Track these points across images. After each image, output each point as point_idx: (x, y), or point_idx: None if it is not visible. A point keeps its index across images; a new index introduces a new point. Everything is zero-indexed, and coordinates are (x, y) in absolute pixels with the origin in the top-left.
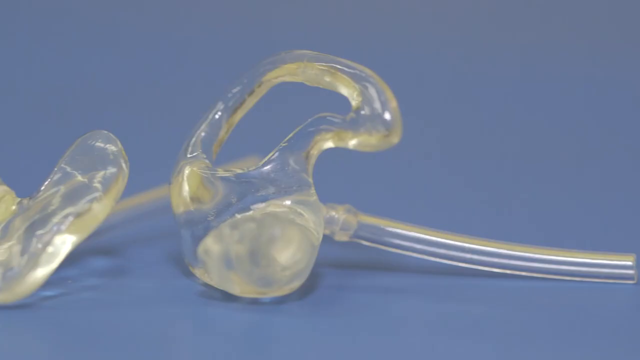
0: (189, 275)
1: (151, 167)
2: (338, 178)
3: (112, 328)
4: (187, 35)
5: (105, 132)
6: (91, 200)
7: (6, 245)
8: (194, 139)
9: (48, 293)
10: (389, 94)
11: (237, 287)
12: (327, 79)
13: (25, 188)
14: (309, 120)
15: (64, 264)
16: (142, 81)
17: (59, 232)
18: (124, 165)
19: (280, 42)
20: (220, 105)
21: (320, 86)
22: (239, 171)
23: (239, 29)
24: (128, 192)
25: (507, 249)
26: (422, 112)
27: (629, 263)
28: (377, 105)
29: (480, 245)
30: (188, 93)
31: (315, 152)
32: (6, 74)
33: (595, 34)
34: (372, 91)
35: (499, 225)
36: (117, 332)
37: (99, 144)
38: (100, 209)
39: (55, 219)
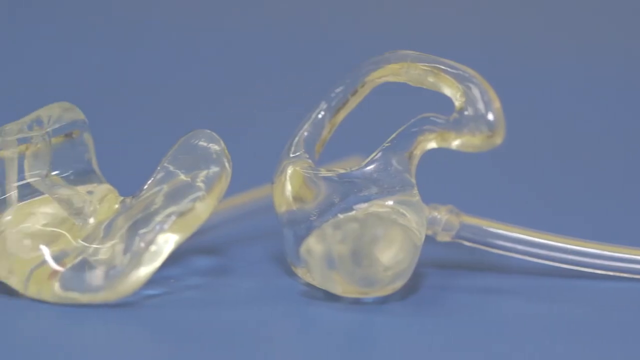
0: (291, 274)
1: (253, 166)
2: (441, 178)
3: (214, 327)
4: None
5: (209, 131)
6: (194, 200)
7: (109, 244)
8: (296, 139)
9: (151, 292)
10: (492, 95)
11: (340, 287)
12: (431, 79)
13: (128, 187)
14: (412, 120)
15: (167, 262)
16: (240, 81)
17: (161, 231)
18: (227, 164)
19: (385, 44)
20: (324, 105)
21: (424, 86)
22: (342, 171)
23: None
24: (230, 191)
25: (610, 251)
26: (526, 112)
27: None
28: (481, 105)
29: (582, 247)
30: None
31: (418, 153)
32: (109, 74)
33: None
34: (476, 92)
35: (601, 226)
36: (219, 331)
37: (202, 143)
38: (203, 208)
39: (158, 218)
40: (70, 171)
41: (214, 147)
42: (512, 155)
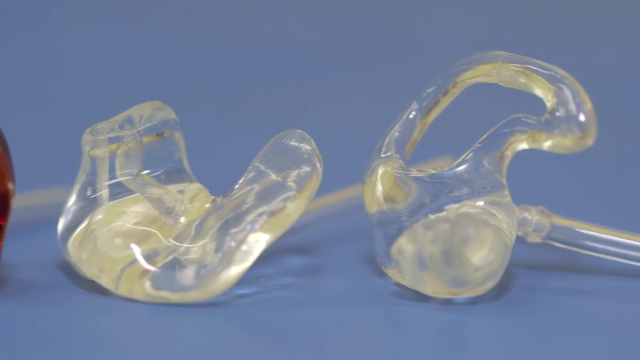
0: (382, 275)
1: (344, 166)
2: (531, 179)
3: (305, 327)
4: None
5: (300, 131)
6: (285, 199)
7: (200, 243)
8: (387, 139)
9: (242, 291)
10: (584, 96)
11: (430, 287)
12: (522, 80)
13: (219, 186)
14: (504, 121)
15: (258, 262)
16: (331, 80)
17: (252, 230)
18: (318, 164)
19: (475, 44)
20: (415, 105)
21: (515, 87)
22: (433, 171)
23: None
24: (321, 191)
25: None
26: (615, 112)
27: None
28: (572, 107)
29: None
30: (378, 93)
31: (509, 153)
32: (201, 73)
33: None
34: (567, 93)
35: None
36: (309, 331)
37: (293, 143)
38: (294, 208)
39: (249, 218)
40: (162, 170)
41: (305, 146)
42: (602, 155)
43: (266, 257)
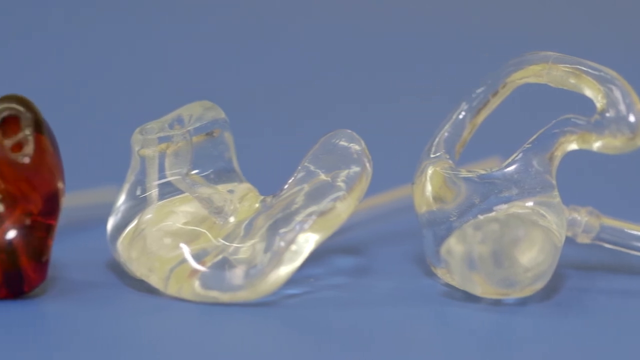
0: (431, 275)
1: (393, 166)
2: (581, 180)
3: (354, 327)
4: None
5: (349, 131)
6: (335, 199)
7: (249, 242)
8: (437, 139)
9: (291, 291)
10: (634, 97)
11: (480, 287)
12: (572, 80)
13: (268, 186)
14: (554, 122)
15: (307, 262)
16: (382, 81)
17: (302, 230)
18: (367, 164)
19: (521, 43)
20: (464, 106)
21: (565, 88)
22: (482, 172)
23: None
24: (371, 191)
25: None
26: None
27: None
28: (622, 107)
29: None
30: (427, 94)
31: (559, 154)
32: (250, 73)
33: None
34: (617, 93)
35: None
36: (358, 331)
37: (343, 143)
38: (343, 208)
39: (299, 218)
40: (211, 170)
41: (355, 146)
42: None
43: (315, 257)
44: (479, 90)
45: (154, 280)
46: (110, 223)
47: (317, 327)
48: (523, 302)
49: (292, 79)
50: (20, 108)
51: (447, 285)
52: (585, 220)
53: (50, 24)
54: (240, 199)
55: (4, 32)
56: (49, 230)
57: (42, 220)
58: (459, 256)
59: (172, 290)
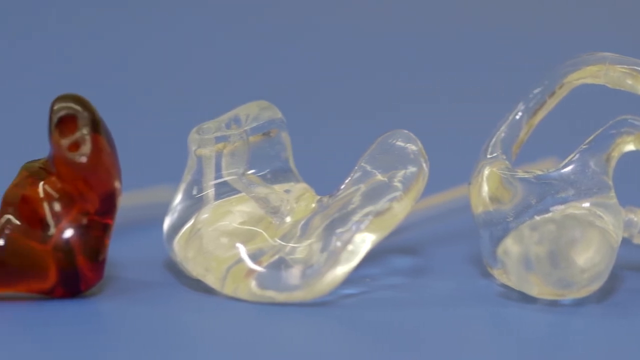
0: (488, 275)
1: (450, 166)
2: (637, 181)
3: (410, 327)
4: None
5: (406, 131)
6: (391, 200)
7: (306, 242)
8: (494, 140)
9: (347, 291)
10: None
11: (536, 288)
12: (629, 81)
13: (325, 186)
14: (611, 122)
15: (363, 262)
16: (437, 81)
17: (358, 230)
18: (424, 164)
19: (581, 45)
20: (521, 106)
21: (622, 89)
22: (539, 172)
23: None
24: (427, 191)
25: None
26: None
27: None
28: None
29: None
30: (483, 95)
31: (616, 155)
32: (306, 72)
33: None
34: None
35: None
36: (415, 331)
37: (399, 143)
38: (400, 209)
39: (355, 218)
40: (268, 170)
41: (411, 147)
42: None
43: (372, 257)
44: (535, 91)
45: (211, 280)
46: (167, 222)
47: (374, 327)
48: (579, 303)
49: (350, 78)
50: (78, 107)
51: (504, 285)
52: None
53: (114, 23)
54: (297, 198)
55: (61, 29)
56: (105, 229)
57: (99, 219)
58: (515, 257)
59: (228, 290)
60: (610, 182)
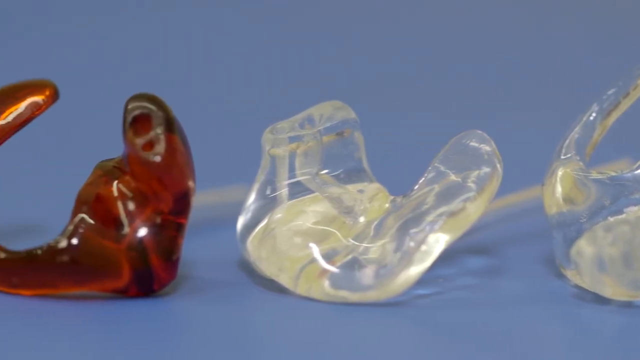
0: (561, 276)
1: (523, 167)
2: None
3: (484, 328)
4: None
5: (480, 131)
6: (465, 200)
7: (380, 242)
8: (567, 141)
9: (421, 291)
10: None
11: (610, 289)
12: None
13: (398, 186)
14: None
15: (438, 262)
16: (508, 81)
17: (432, 231)
18: (498, 165)
19: None
20: (595, 107)
21: None
22: (613, 173)
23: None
24: (501, 192)
25: None
26: None
27: None
28: None
29: None
30: (556, 95)
31: None
32: (380, 72)
33: None
34: None
35: None
36: (488, 332)
37: (473, 144)
38: (474, 209)
39: (429, 218)
40: (341, 170)
41: (485, 147)
42: None
43: (445, 257)
44: (610, 92)
45: (284, 280)
46: (240, 222)
47: (447, 328)
48: None
49: (424, 78)
50: (152, 107)
51: (577, 286)
52: None
53: (188, 23)
54: (370, 198)
55: (136, 29)
56: (179, 229)
57: (172, 218)
58: (589, 258)
59: (301, 289)
60: None
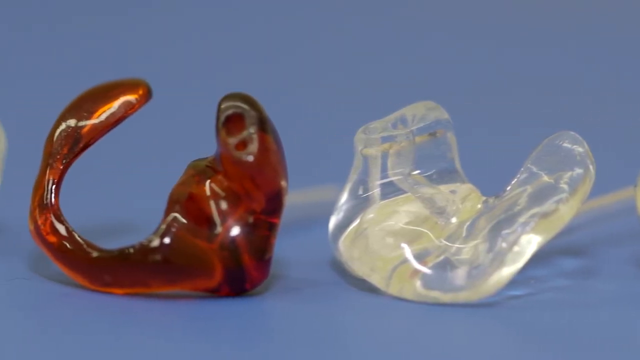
0: None
1: (615, 168)
2: None
3: (577, 329)
4: None
5: (572, 132)
6: (557, 201)
7: (472, 243)
8: None
9: (513, 292)
10: None
11: None
12: None
13: (490, 187)
14: None
15: (530, 263)
16: (604, 81)
17: (524, 232)
18: (590, 166)
19: None
20: None
21: None
22: None
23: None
24: (593, 193)
25: None
26: None
27: None
28: None
29: None
30: None
31: None
32: (473, 72)
33: None
34: None
35: None
36: (581, 333)
37: (566, 145)
38: (566, 210)
39: (522, 219)
40: (433, 170)
41: (578, 148)
42: None
43: (538, 258)
44: None
45: (376, 280)
46: (332, 222)
47: (540, 329)
48: None
49: (516, 80)
50: (245, 106)
51: None
52: None
53: (280, 23)
54: (463, 199)
55: (230, 28)
56: (271, 228)
57: (265, 218)
58: None
59: (393, 289)
60: None
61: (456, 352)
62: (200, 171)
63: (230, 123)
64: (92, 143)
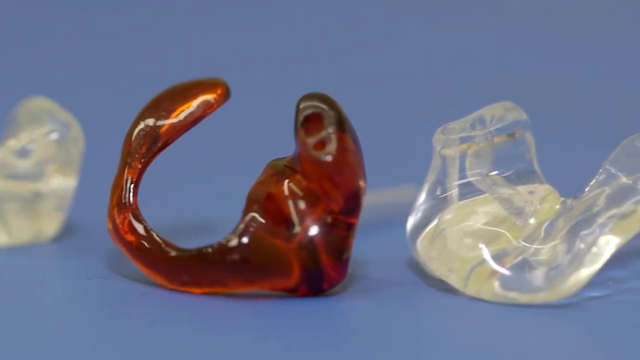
0: None
1: None
2: None
3: None
4: None
5: None
6: (636, 203)
7: (550, 244)
8: None
9: (592, 293)
10: None
11: None
12: None
13: (568, 188)
14: None
15: (609, 264)
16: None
17: (603, 233)
18: None
19: None
20: None
21: None
22: None
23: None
24: None
25: None
26: None
27: None
28: None
29: None
30: None
31: None
32: (542, 76)
33: None
34: None
35: None
36: None
37: None
38: None
39: (600, 220)
40: (512, 171)
41: None
42: None
43: (617, 259)
44: None
45: (454, 280)
46: (410, 222)
47: (619, 330)
48: None
49: (594, 79)
50: (324, 106)
51: None
52: None
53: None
54: (541, 200)
55: (295, 28)
56: (349, 228)
57: (343, 218)
58: None
59: (471, 290)
60: None
61: (533, 354)
62: (279, 171)
63: (309, 123)
64: (171, 142)
